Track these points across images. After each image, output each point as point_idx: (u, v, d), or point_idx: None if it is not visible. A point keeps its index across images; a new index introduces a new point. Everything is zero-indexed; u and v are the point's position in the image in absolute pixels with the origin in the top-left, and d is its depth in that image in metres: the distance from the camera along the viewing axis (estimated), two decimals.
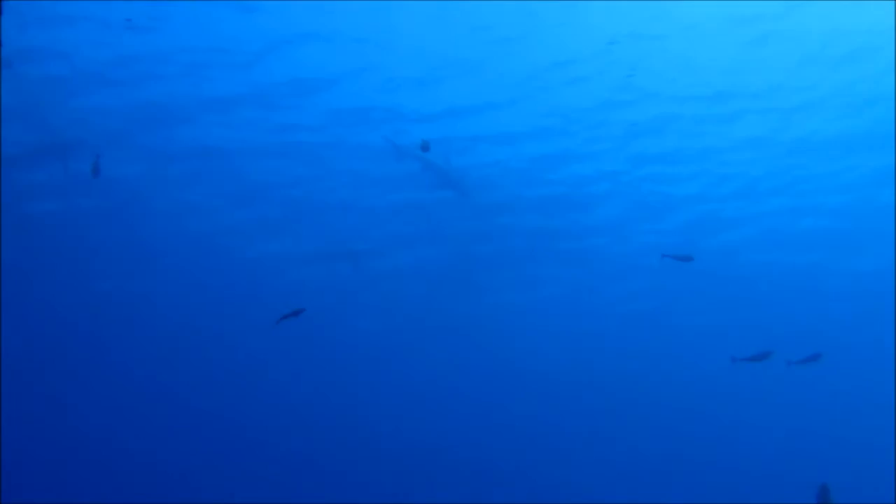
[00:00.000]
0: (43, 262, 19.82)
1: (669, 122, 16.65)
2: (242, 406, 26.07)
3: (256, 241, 20.44)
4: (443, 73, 15.02)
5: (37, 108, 15.28)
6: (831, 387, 27.80)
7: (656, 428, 29.37)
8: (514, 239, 21.02)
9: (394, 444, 27.48)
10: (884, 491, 27.10)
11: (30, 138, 15.98)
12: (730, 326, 25.09)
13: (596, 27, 13.98)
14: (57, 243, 19.32)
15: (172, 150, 16.85)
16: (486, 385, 28.20)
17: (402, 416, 27.97)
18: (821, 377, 25.91)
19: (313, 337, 24.05)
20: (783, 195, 19.17)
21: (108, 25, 13.29)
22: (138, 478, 23.69)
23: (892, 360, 26.97)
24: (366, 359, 26.23)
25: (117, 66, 14.32)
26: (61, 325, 22.20)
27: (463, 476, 27.12)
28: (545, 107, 16.06)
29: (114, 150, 16.25)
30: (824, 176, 18.33)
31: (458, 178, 18.10)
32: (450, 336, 25.69)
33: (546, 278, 23.02)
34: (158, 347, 23.59)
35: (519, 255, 21.76)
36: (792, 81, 15.28)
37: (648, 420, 29.22)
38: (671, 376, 28.06)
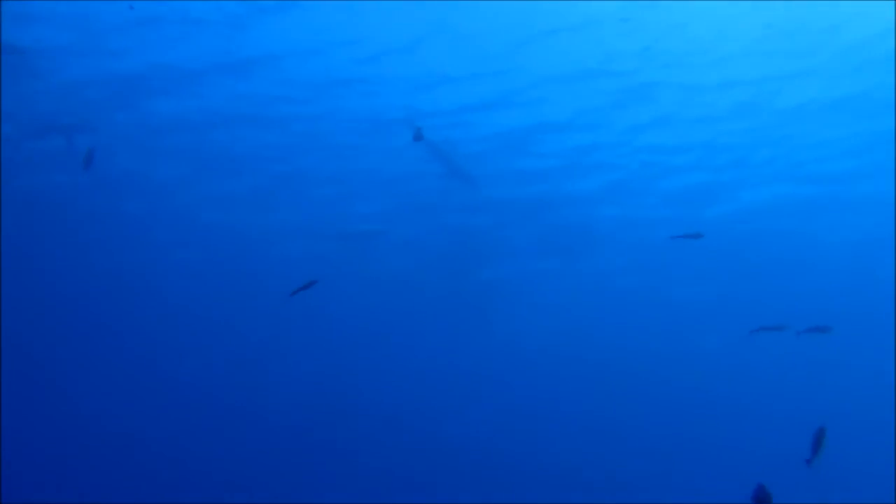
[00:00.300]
0: (27, 239, 19.79)
1: (662, 91, 16.32)
2: (235, 383, 26.13)
3: (246, 215, 20.36)
4: (429, 43, 14.71)
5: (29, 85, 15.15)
6: (832, 357, 27.70)
7: (653, 403, 29.39)
8: (506, 211, 20.84)
9: (388, 421, 27.55)
10: (884, 474, 27.19)
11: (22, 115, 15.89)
12: (728, 298, 24.96)
13: None
14: (43, 219, 19.27)
15: (153, 123, 16.66)
16: (481, 360, 28.18)
17: (395, 393, 28.00)
18: (822, 346, 25.81)
19: (305, 312, 24.01)
20: (780, 163, 18.91)
21: None
22: (130, 458, 23.80)
23: (893, 329, 26.86)
24: (359, 333, 26.21)
25: (99, 39, 14.09)
26: (53, 307, 22.23)
27: (460, 454, 27.21)
28: (534, 76, 15.75)
29: (94, 124, 16.12)
30: (822, 143, 18.05)
31: (466, 169, 17.99)
32: (443, 311, 25.62)
33: (540, 251, 22.87)
34: (149, 325, 23.61)
35: (512, 227, 21.59)
36: (788, 47, 14.94)
37: (645, 395, 29.23)
38: (668, 350, 28.00)
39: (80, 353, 24.28)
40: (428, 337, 26.88)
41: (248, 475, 24.48)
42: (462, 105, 16.61)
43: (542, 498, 24.02)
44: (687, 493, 25.42)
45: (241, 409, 26.27)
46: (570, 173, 19.29)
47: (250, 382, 26.30)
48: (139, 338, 24.20)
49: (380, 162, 18.61)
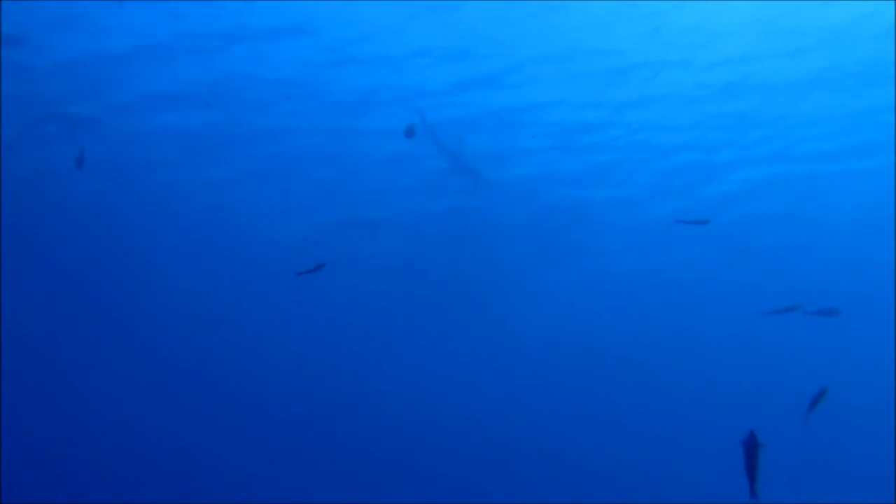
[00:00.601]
0: (23, 227, 19.71)
1: (658, 70, 16.22)
2: (233, 371, 26.06)
3: (242, 200, 20.30)
4: (420, 22, 14.58)
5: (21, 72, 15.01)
6: (832, 337, 27.71)
7: (651, 384, 29.40)
8: (501, 194, 20.77)
9: (387, 406, 27.52)
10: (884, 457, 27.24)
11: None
12: (724, 278, 24.92)
13: None
14: (39, 206, 19.19)
15: (145, 107, 16.53)
16: (480, 344, 28.14)
17: (394, 378, 27.97)
18: (822, 327, 25.84)
19: (304, 296, 23.94)
20: (776, 142, 18.86)
21: None
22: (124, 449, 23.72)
23: (892, 308, 26.88)
24: (356, 318, 26.12)
25: (87, 20, 13.95)
26: (51, 294, 22.15)
27: (458, 437, 27.19)
28: (527, 56, 15.64)
29: (87, 108, 16.01)
30: (818, 121, 17.99)
31: (474, 165, 17.91)
32: (440, 295, 25.55)
33: (535, 235, 22.81)
34: (148, 311, 23.53)
35: (508, 211, 21.52)
36: (784, 24, 14.85)
37: (643, 376, 29.23)
38: (664, 331, 27.98)
39: (78, 341, 24.22)
40: (425, 320, 26.79)
41: (250, 463, 24.42)
42: (455, 82, 16.47)
43: (538, 478, 24.07)
44: (684, 476, 25.48)
45: (241, 398, 26.20)
46: (564, 155, 19.21)
47: (248, 370, 26.24)
48: (138, 325, 24.11)
49: (373, 144, 18.52)
